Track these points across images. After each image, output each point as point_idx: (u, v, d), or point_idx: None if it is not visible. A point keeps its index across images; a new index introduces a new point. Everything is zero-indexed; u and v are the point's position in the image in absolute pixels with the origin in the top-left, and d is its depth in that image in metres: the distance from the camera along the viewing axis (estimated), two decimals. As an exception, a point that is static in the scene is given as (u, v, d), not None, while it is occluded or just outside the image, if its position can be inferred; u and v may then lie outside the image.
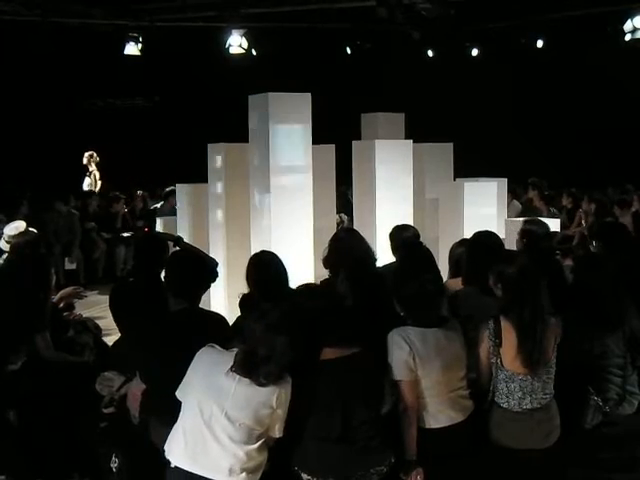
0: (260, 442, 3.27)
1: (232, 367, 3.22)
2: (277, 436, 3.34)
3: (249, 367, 3.20)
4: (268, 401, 3.23)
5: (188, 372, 3.37)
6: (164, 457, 3.34)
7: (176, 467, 3.26)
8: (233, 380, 3.22)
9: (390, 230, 5.55)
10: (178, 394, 3.39)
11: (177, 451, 3.28)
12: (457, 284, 4.60)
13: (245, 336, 3.28)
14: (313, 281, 6.13)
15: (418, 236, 5.49)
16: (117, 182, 13.95)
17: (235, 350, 3.29)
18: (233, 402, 3.20)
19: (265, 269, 4.37)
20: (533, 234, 5.40)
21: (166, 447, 3.34)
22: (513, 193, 11.70)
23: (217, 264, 4.96)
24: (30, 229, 7.32)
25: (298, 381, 3.35)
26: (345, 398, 3.35)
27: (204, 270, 4.36)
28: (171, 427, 3.36)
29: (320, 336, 3.45)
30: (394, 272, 3.99)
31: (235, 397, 3.20)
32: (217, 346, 3.38)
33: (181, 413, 3.34)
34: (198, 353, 3.37)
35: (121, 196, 12.43)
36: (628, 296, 4.46)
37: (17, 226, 7.15)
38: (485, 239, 4.78)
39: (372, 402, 3.45)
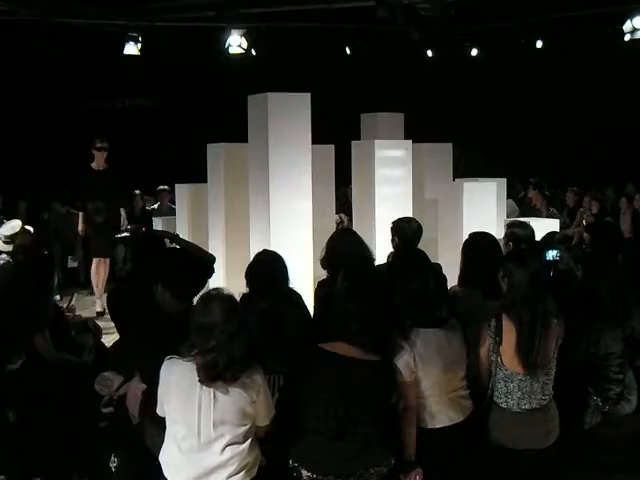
0: (251, 438, 3.31)
1: (200, 380, 3.22)
2: (264, 424, 3.39)
3: (214, 377, 3.20)
4: (249, 396, 3.27)
5: (160, 391, 3.36)
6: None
7: None
8: (209, 390, 3.23)
9: (392, 223, 5.52)
10: (159, 412, 3.40)
11: (172, 469, 3.31)
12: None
13: (196, 343, 3.26)
14: (312, 282, 6.15)
15: (421, 229, 5.48)
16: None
17: (191, 358, 3.26)
18: (217, 410, 3.23)
19: (261, 268, 4.38)
20: (517, 236, 5.38)
21: (161, 462, 3.36)
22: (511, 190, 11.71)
23: (214, 259, 4.97)
24: (26, 227, 7.33)
25: (303, 370, 3.42)
26: (347, 397, 3.35)
27: (201, 269, 4.38)
28: (165, 430, 3.37)
29: (339, 330, 3.46)
30: (398, 271, 4.00)
31: (217, 404, 3.23)
32: (176, 357, 3.33)
33: (168, 430, 3.34)
34: (162, 369, 3.35)
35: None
36: (632, 295, 4.48)
37: (13, 226, 7.16)
38: (481, 239, 4.78)
39: (375, 407, 3.45)
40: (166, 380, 3.34)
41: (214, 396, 3.23)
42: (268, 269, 4.36)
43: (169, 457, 3.33)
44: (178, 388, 3.28)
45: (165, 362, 3.34)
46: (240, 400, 3.25)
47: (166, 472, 3.32)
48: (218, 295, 3.32)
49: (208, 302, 3.29)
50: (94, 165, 9.33)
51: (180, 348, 3.31)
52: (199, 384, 3.22)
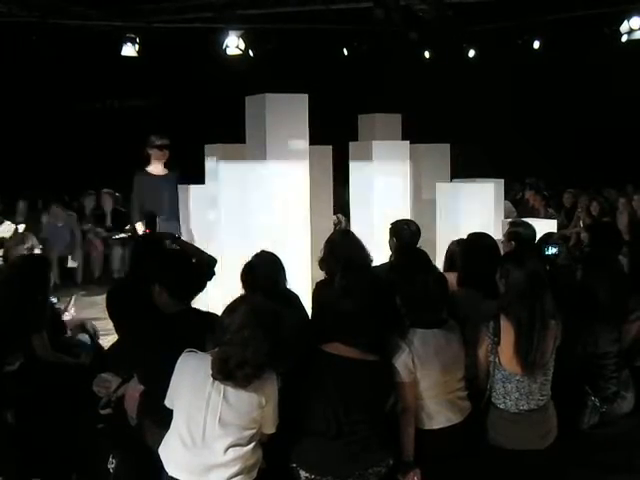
0: (254, 442, 3.30)
1: (212, 374, 3.23)
2: (270, 432, 3.38)
3: (226, 373, 3.20)
4: (258, 401, 3.26)
5: (172, 382, 3.36)
6: (161, 459, 3.35)
7: (172, 477, 3.27)
8: (220, 387, 3.23)
9: (391, 225, 5.51)
10: (167, 403, 3.39)
11: (173, 464, 3.29)
12: (451, 278, 4.58)
13: (216, 338, 3.29)
14: (309, 283, 6.14)
15: (420, 231, 5.48)
16: (116, 182, 13.92)
17: (211, 354, 3.28)
18: (225, 409, 3.22)
19: (258, 269, 4.38)
20: (520, 236, 5.38)
21: (162, 455, 3.34)
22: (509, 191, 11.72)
23: (216, 262, 4.96)
24: (14, 226, 7.33)
25: (301, 371, 3.43)
26: (345, 397, 3.36)
27: (201, 271, 4.37)
28: (166, 430, 3.36)
29: (336, 331, 3.47)
30: (399, 272, 4.01)
31: (226, 404, 3.22)
32: (195, 351, 3.36)
33: (173, 422, 3.34)
34: (179, 361, 3.36)
35: (109, 192, 12.36)
36: (633, 295, 4.49)
37: (1, 230, 7.17)
38: (479, 240, 4.78)
39: (374, 407, 3.46)
40: (180, 372, 3.34)
41: (224, 396, 3.22)
42: (265, 270, 4.36)
43: (171, 450, 3.31)
44: (190, 382, 3.29)
45: (183, 354, 3.36)
46: (249, 404, 3.25)
47: (166, 465, 3.30)
48: (249, 300, 3.42)
49: (237, 304, 3.35)
50: (152, 169, 7.45)
51: (207, 343, 3.36)
52: (211, 380, 3.22)
